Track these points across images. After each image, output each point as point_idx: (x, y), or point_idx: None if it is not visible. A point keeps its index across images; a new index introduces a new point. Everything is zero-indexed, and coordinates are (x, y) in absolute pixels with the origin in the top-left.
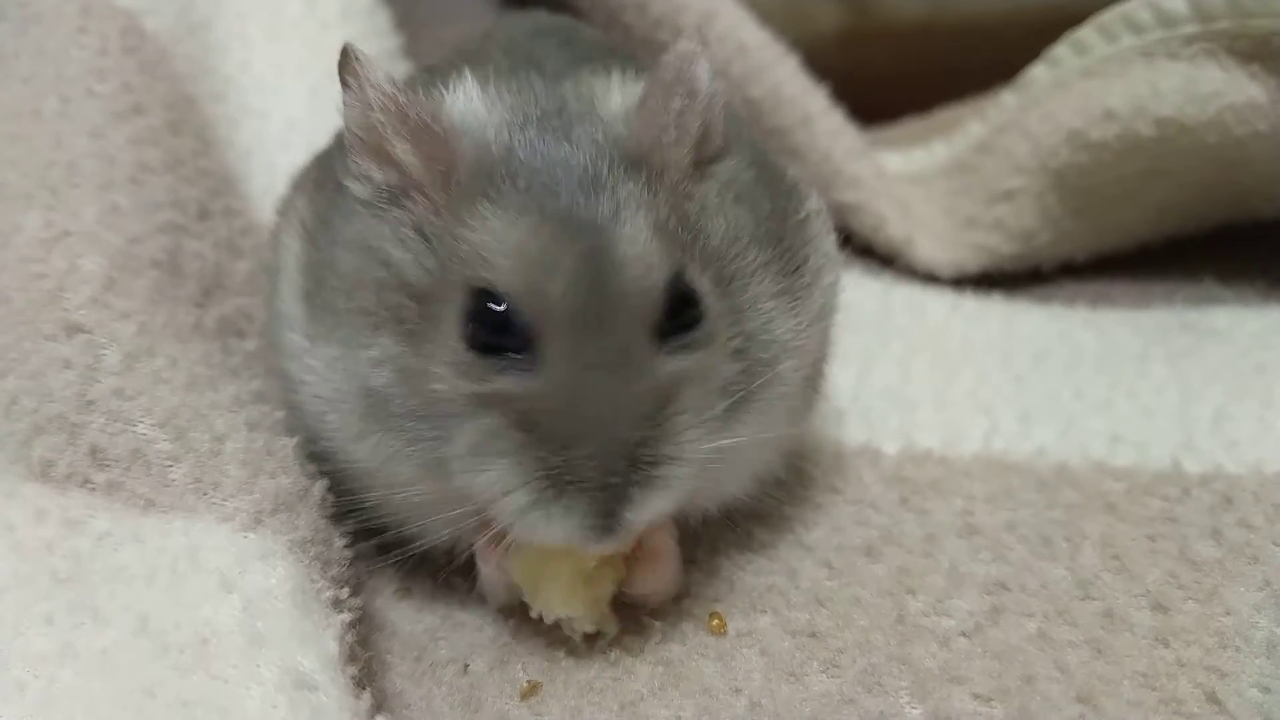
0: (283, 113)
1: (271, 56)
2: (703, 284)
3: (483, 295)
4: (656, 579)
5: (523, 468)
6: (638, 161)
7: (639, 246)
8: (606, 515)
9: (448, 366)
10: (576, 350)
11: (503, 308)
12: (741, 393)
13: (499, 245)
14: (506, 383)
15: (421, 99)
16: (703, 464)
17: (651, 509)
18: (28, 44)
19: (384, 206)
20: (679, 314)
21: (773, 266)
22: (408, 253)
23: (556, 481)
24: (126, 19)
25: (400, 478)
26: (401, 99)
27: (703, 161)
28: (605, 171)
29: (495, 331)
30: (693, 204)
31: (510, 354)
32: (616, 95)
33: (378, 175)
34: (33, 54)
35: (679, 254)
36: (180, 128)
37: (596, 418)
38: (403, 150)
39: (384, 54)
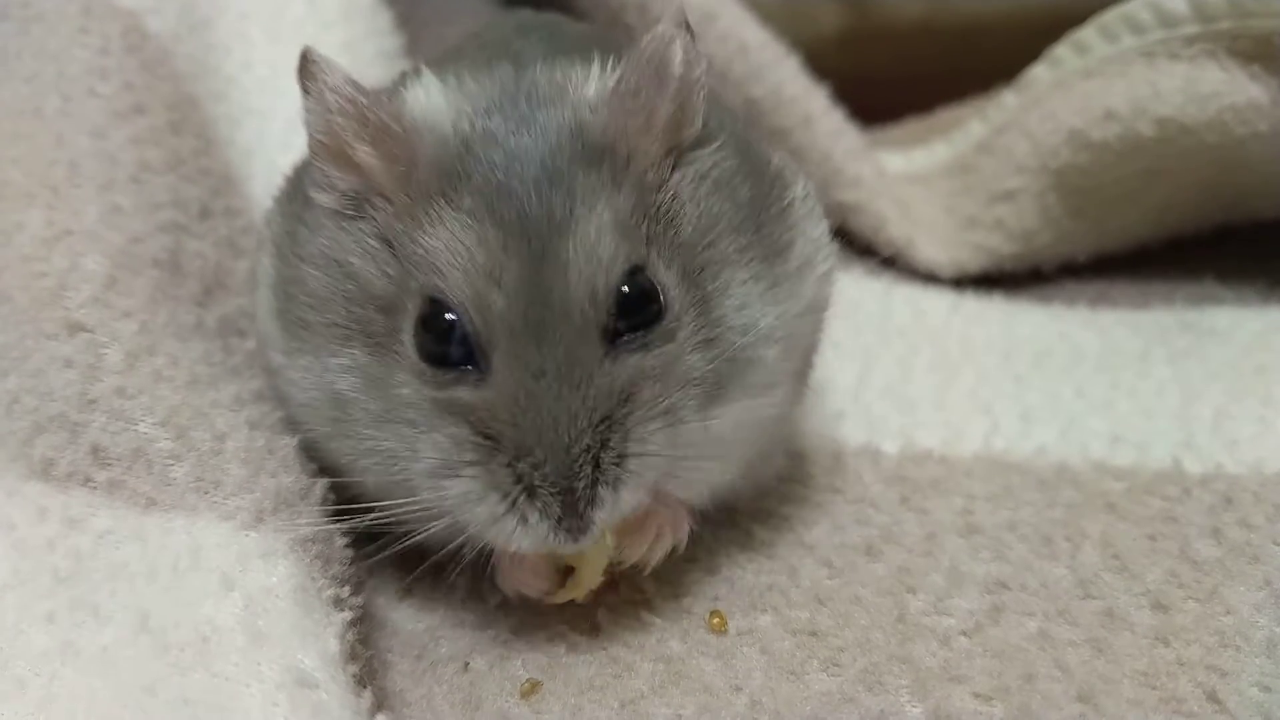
0: (284, 112)
1: (273, 56)
2: (668, 277)
3: (435, 305)
4: (640, 548)
5: (491, 476)
6: (603, 150)
7: (590, 246)
8: (576, 517)
9: (409, 374)
10: (524, 360)
11: (452, 318)
12: (715, 379)
13: (449, 254)
14: (462, 392)
15: (383, 99)
16: (672, 455)
17: (620, 507)
18: (29, 43)
19: (349, 216)
20: (638, 310)
21: (751, 252)
22: (372, 263)
23: (525, 488)
24: (128, 18)
25: (370, 489)
26: (362, 100)
27: (676, 149)
28: (565, 164)
29: (444, 342)
30: (663, 193)
31: (462, 365)
32: (594, 81)
33: (341, 182)
34: (34, 53)
35: (641, 248)
36: (182, 127)
37: (550, 425)
38: (364, 153)
39: (385, 54)
